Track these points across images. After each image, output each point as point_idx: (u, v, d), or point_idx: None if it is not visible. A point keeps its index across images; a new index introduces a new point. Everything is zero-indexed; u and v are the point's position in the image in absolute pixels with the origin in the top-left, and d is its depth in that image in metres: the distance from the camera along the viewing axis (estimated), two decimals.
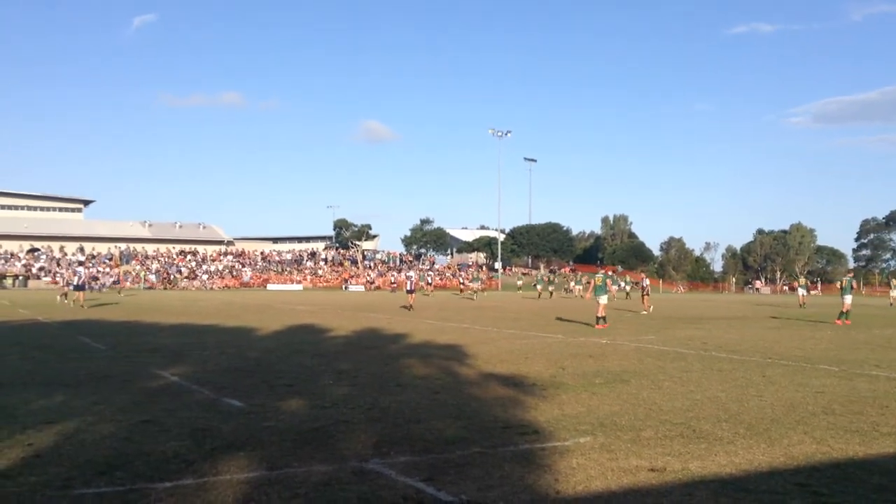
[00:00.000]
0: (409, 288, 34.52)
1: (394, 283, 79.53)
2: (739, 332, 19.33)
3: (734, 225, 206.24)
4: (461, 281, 76.40)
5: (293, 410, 7.81)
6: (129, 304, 35.66)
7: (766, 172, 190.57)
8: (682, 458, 5.88)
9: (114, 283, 65.70)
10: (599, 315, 21.18)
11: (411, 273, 39.76)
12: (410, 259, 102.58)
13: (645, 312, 29.15)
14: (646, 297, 31.74)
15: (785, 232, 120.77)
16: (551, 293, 58.28)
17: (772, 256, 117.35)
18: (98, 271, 74.44)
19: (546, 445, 6.29)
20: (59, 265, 77.30)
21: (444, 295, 58.89)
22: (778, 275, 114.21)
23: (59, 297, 35.42)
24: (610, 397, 8.78)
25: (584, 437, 6.62)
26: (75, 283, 33.41)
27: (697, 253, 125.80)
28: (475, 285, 54.53)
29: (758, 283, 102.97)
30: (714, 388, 9.59)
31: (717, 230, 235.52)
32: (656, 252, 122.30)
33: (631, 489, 5.07)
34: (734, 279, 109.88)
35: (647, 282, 33.06)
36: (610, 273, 23.11)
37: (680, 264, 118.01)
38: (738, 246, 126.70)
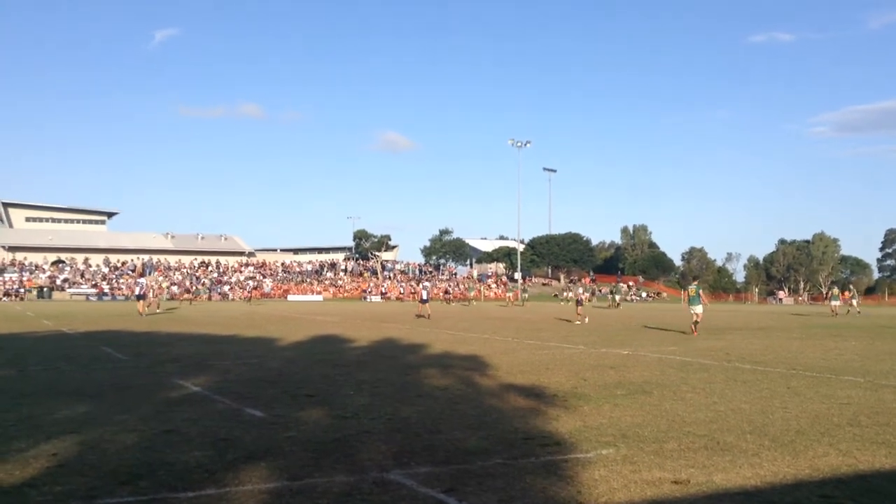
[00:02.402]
0: (424, 298, 35.85)
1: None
2: (763, 343, 19.13)
3: (756, 235, 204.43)
4: (447, 290, 76.43)
5: (314, 421, 7.83)
6: (177, 315, 35.92)
7: (789, 182, 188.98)
8: (706, 471, 5.82)
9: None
10: (695, 321, 23.01)
11: (427, 283, 40.84)
12: (430, 269, 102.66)
13: (578, 323, 29.12)
14: (580, 307, 31.50)
15: (808, 242, 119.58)
16: (523, 302, 63.60)
17: (795, 266, 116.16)
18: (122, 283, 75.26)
19: (568, 457, 6.25)
20: (83, 277, 78.18)
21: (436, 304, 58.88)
22: (801, 285, 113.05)
23: (148, 307, 38.57)
24: (632, 409, 8.72)
25: (606, 448, 6.57)
26: (137, 293, 37.20)
27: (719, 263, 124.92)
28: (472, 293, 57.61)
29: (781, 294, 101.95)
30: (738, 399, 9.49)
31: (738, 240, 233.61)
32: (677, 262, 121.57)
33: (654, 501, 5.02)
34: (757, 290, 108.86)
35: (581, 290, 33.09)
36: (697, 283, 24.82)
37: (701, 275, 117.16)
38: (760, 256, 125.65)
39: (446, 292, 72.67)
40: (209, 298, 70.79)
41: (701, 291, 24.03)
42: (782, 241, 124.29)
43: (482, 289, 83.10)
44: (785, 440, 6.95)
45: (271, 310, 44.93)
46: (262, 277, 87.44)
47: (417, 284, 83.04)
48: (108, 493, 5.10)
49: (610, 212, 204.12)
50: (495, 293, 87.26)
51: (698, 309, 23.06)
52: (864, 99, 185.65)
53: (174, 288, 76.04)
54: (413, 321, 30.42)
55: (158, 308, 41.57)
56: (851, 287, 47.97)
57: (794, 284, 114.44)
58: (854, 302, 46.61)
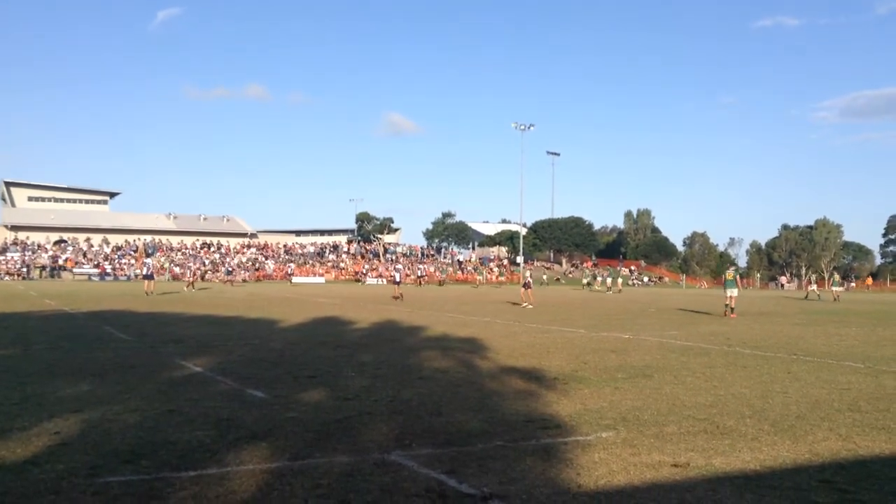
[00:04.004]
0: (396, 280, 39.30)
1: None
2: (764, 328, 19.14)
3: (759, 220, 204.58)
4: (419, 272, 75.92)
5: (316, 402, 7.85)
6: (180, 296, 35.96)
7: (792, 167, 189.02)
8: (705, 454, 5.83)
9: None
10: (727, 304, 24.50)
11: (399, 266, 47.75)
12: (432, 252, 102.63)
13: (530, 306, 29.26)
14: (527, 290, 31.64)
15: (810, 227, 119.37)
16: (499, 285, 67.63)
17: (797, 252, 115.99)
18: (125, 263, 75.38)
19: (568, 440, 6.27)
20: (85, 256, 78.27)
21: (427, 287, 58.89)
22: (803, 270, 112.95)
23: (185, 287, 44.39)
24: (632, 392, 8.73)
25: (606, 431, 6.59)
26: (144, 272, 38.43)
27: (721, 248, 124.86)
28: (443, 276, 62.01)
29: (783, 279, 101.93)
30: (738, 384, 9.50)
31: (741, 225, 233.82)
32: (679, 247, 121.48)
33: (654, 484, 5.04)
34: (759, 275, 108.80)
35: (528, 273, 34.28)
36: (734, 268, 26.51)
37: (703, 259, 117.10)
38: (762, 241, 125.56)
39: (419, 275, 72.36)
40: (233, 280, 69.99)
41: (738, 276, 25.98)
42: (785, 227, 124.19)
43: (484, 272, 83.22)
44: (785, 425, 6.96)
45: (273, 291, 45.00)
46: (263, 259, 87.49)
47: (422, 266, 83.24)
48: (110, 471, 5.13)
49: (613, 196, 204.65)
50: (497, 276, 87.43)
51: (734, 292, 24.56)
52: (870, 85, 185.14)
53: (176, 269, 76.13)
54: (414, 304, 30.45)
55: (194, 288, 44.32)
56: (817, 274, 50.28)
57: (795, 270, 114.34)
58: (814, 287, 48.90)
